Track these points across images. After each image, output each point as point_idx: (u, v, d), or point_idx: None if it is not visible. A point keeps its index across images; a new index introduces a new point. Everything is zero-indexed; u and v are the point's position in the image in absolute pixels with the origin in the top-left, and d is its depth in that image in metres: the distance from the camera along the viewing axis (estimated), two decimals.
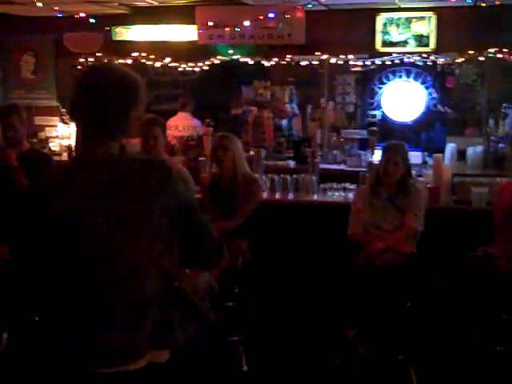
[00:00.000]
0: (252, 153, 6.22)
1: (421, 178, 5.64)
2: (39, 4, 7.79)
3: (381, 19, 8.61)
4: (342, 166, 6.98)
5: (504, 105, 7.63)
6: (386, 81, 8.68)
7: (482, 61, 7.79)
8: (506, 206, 4.44)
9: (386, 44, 8.62)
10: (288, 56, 8.36)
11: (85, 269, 1.98)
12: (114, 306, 1.97)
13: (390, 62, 8.24)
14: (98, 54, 8.89)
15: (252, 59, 8.58)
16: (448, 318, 4.78)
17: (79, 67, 8.65)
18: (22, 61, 9.41)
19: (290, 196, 5.78)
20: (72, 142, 7.77)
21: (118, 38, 9.25)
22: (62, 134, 8.70)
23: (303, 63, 8.35)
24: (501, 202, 4.57)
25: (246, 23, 8.10)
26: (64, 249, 1.98)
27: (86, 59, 8.87)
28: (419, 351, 4.42)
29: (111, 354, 1.98)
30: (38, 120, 9.06)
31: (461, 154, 7.00)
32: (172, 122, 8.04)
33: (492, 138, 7.25)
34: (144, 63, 8.77)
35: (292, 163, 6.85)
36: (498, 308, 4.27)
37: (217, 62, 8.67)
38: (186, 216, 2.15)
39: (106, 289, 1.98)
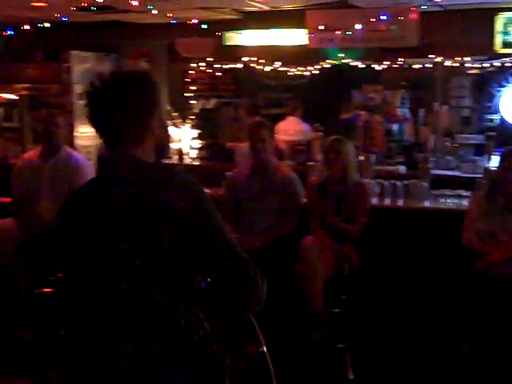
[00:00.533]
0: (361, 158, 6.09)
1: None
2: (154, 12, 8.00)
3: (500, 19, 8.24)
4: (456, 173, 6.69)
5: None
6: (505, 83, 8.29)
7: None
8: None
9: (506, 45, 8.23)
10: (400, 59, 8.16)
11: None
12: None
13: (510, 64, 7.86)
14: (208, 59, 9.03)
15: (362, 63, 8.44)
16: None
17: (190, 72, 8.82)
18: (137, 67, 9.68)
19: (400, 202, 5.61)
20: (182, 145, 7.90)
21: (228, 43, 9.36)
22: (173, 138, 8.87)
23: (416, 66, 8.14)
24: None
25: (358, 26, 7.98)
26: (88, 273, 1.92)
27: (198, 64, 9.04)
28: None
29: None
30: None
31: None
32: (281, 126, 8.02)
33: None
34: (254, 67, 8.82)
35: (403, 169, 6.65)
36: None
37: (326, 65, 8.59)
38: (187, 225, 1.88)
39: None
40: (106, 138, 2.00)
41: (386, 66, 8.25)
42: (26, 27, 9.30)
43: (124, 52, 9.59)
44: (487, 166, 6.31)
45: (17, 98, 9.00)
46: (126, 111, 1.94)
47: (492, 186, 4.61)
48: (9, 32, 9.66)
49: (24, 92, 8.90)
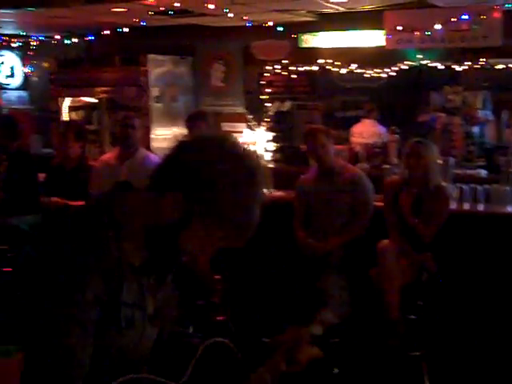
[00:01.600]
0: (440, 161, 5.92)
1: None
2: (230, 15, 8.03)
3: None
4: None
5: None
6: None
7: None
8: None
9: None
10: (482, 59, 7.90)
11: None
12: None
13: None
14: (284, 62, 9.00)
15: (442, 64, 8.21)
16: None
17: (266, 75, 8.81)
18: (213, 69, 9.74)
19: (481, 207, 5.42)
20: (257, 147, 7.90)
21: (304, 45, 9.29)
22: (248, 140, 8.89)
23: (499, 67, 7.86)
24: None
25: (437, 26, 7.77)
26: None
27: (273, 67, 9.02)
28: None
29: None
30: (226, 126, 9.34)
31: None
32: (357, 128, 7.92)
33: None
34: (329, 70, 8.73)
35: (483, 172, 6.44)
36: None
37: (404, 67, 8.41)
38: None
39: None
40: None
41: (466, 67, 8.00)
42: (106, 32, 9.51)
43: (200, 55, 9.68)
44: None
45: (96, 101, 9.22)
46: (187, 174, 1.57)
47: None
48: (89, 37, 9.91)
49: (103, 95, 9.11)
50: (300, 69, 8.98)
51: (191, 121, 5.36)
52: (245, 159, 1.57)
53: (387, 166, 6.09)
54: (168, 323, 1.78)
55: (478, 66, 7.91)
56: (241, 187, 1.53)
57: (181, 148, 1.61)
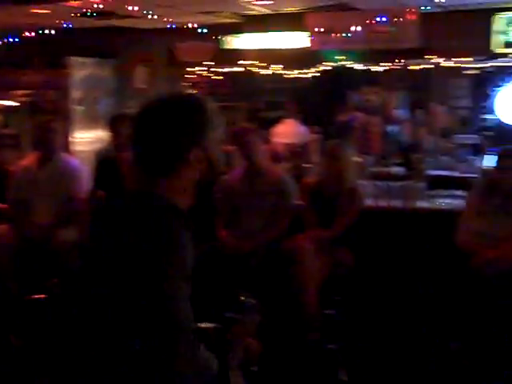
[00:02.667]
0: (358, 159, 6.10)
1: None
2: (154, 16, 8.05)
3: (497, 19, 8.24)
4: (453, 173, 6.70)
5: None
6: (503, 84, 8.28)
7: None
8: None
9: (505, 45, 8.23)
10: (399, 61, 8.17)
11: None
12: None
13: (508, 64, 7.86)
14: (207, 63, 9.06)
15: (362, 65, 8.45)
16: None
17: (189, 76, 8.85)
18: (136, 71, 9.72)
19: (397, 203, 5.60)
20: None
21: (227, 47, 9.39)
22: None
23: (415, 67, 8.14)
24: None
25: (357, 28, 8.00)
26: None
27: (196, 68, 9.08)
28: None
29: None
30: None
31: None
32: (279, 128, 8.04)
33: None
34: (252, 71, 8.85)
35: (400, 170, 6.65)
36: None
37: (325, 68, 8.60)
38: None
39: None
40: (142, 167, 1.89)
41: (384, 68, 8.25)
42: (28, 34, 9.37)
43: (123, 57, 9.64)
44: (483, 165, 6.31)
45: (17, 104, 9.06)
46: (159, 140, 1.83)
47: (488, 186, 4.60)
48: (11, 39, 9.72)
49: (24, 98, 8.95)
50: (223, 70, 9.07)
51: (114, 123, 5.34)
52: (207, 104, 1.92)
53: (308, 166, 6.21)
54: None
55: (395, 67, 8.17)
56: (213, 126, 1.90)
57: (157, 114, 1.87)
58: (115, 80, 9.65)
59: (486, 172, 5.42)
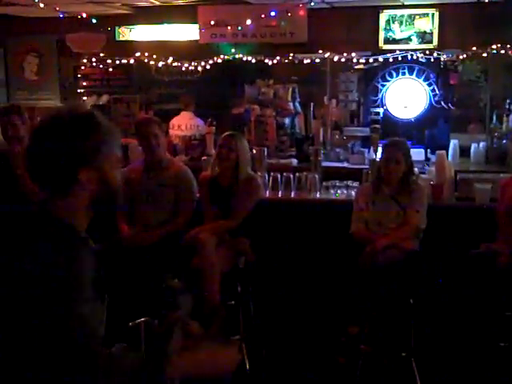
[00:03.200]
0: (254, 151, 6.20)
1: (424, 175, 5.61)
2: (41, 5, 7.81)
3: (384, 16, 8.61)
4: (345, 164, 6.96)
5: (508, 101, 7.60)
6: (388, 78, 8.67)
7: (485, 57, 7.77)
8: (509, 202, 4.42)
9: (388, 41, 8.62)
10: (290, 54, 8.35)
11: None
12: None
13: (392, 60, 8.23)
14: (100, 55, 8.91)
15: (254, 58, 8.57)
16: (451, 314, 4.75)
17: (82, 68, 8.67)
18: (26, 62, 9.42)
19: (293, 194, 5.75)
20: None
21: (121, 39, 9.27)
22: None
23: (306, 61, 8.36)
24: (503, 198, 4.55)
25: (248, 22, 8.11)
26: None
27: (89, 60, 8.90)
28: (422, 348, 4.40)
29: None
30: None
31: (464, 151, 6.99)
32: (175, 121, 8.04)
33: (495, 134, 7.23)
34: (146, 63, 8.79)
35: (295, 161, 6.83)
36: (501, 304, 4.25)
37: (219, 61, 8.67)
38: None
39: None
40: (37, 185, 1.86)
41: (276, 61, 8.42)
42: None
43: (11, 47, 9.31)
44: (373, 157, 6.60)
45: None
46: (48, 160, 1.79)
47: (377, 177, 4.81)
48: None
49: None
50: (117, 62, 8.94)
51: (4, 115, 5.16)
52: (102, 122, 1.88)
53: (205, 158, 6.26)
54: None
55: (287, 61, 8.35)
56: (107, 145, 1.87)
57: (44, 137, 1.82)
58: (4, 71, 9.31)
59: (375, 163, 5.66)
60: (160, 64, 8.80)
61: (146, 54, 8.75)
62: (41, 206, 1.84)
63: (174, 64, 8.79)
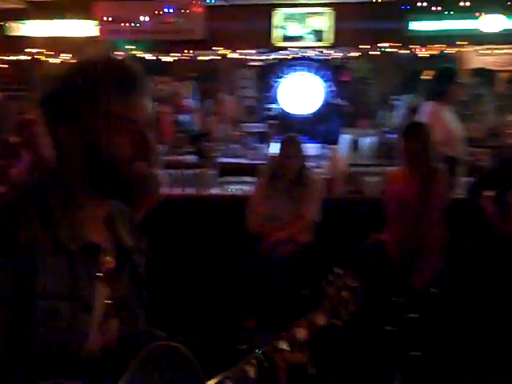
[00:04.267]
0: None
1: (318, 170, 5.77)
2: None
3: (279, 14, 8.74)
4: (242, 160, 7.05)
5: (392, 97, 7.92)
6: (284, 75, 8.82)
7: (376, 55, 8.06)
8: (396, 194, 4.60)
9: (284, 39, 8.76)
10: (188, 51, 8.36)
11: None
12: None
13: (287, 57, 8.39)
14: None
15: (151, 55, 8.53)
16: None
17: None
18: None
19: (191, 191, 5.78)
20: None
21: (12, 34, 8.99)
22: None
23: (203, 58, 8.39)
24: (392, 191, 4.73)
25: (146, 18, 8.06)
26: None
27: None
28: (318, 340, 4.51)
29: None
30: None
31: (355, 146, 7.21)
32: None
33: (384, 129, 7.51)
34: (40, 59, 8.56)
35: (192, 158, 6.86)
36: (390, 291, 4.43)
37: (116, 57, 8.56)
38: None
39: None
40: None
41: (174, 58, 8.41)
42: None
43: None
44: (269, 152, 6.72)
45: None
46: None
47: (272, 172, 4.91)
48: None
49: None
50: (8, 58, 8.66)
51: None
52: None
53: None
54: (131, 321, 1.56)
55: (185, 58, 8.36)
56: None
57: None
58: None
59: (271, 158, 5.76)
60: (54, 60, 8.59)
61: (40, 51, 8.52)
62: None
63: (69, 61, 8.60)
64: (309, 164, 5.04)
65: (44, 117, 1.43)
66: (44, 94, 1.43)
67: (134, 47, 8.67)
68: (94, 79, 1.39)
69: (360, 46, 7.96)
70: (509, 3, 8.36)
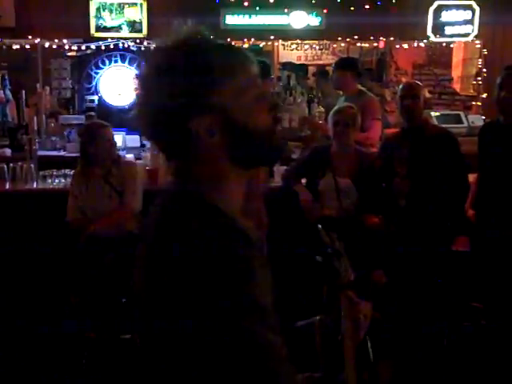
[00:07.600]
0: None
1: (140, 161, 5.85)
2: None
3: (94, 4, 8.64)
4: (62, 153, 6.95)
5: None
6: (101, 66, 8.75)
7: None
8: None
9: (100, 29, 8.68)
10: None
11: None
12: None
13: (104, 47, 8.34)
14: None
15: None
16: None
17: None
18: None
19: (8, 185, 5.62)
20: None
21: None
22: None
23: (15, 47, 8.10)
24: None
25: None
26: None
27: None
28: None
29: None
30: None
31: None
32: None
33: None
34: None
35: (8, 151, 6.64)
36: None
37: None
38: None
39: None
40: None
41: None
42: None
43: None
44: None
45: None
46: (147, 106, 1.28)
47: (86, 162, 4.79)
48: None
49: None
50: None
51: None
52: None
53: None
54: None
55: None
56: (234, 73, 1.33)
57: None
58: None
59: (81, 146, 5.65)
60: None
61: None
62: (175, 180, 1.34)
63: None
64: (130, 155, 5.10)
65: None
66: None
67: None
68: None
69: None
70: (313, 1, 8.93)
